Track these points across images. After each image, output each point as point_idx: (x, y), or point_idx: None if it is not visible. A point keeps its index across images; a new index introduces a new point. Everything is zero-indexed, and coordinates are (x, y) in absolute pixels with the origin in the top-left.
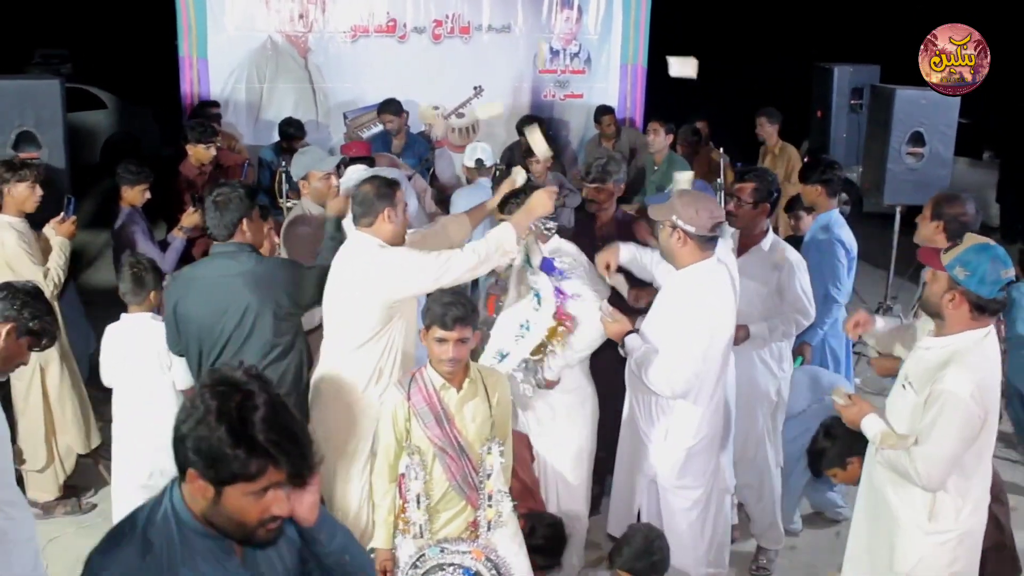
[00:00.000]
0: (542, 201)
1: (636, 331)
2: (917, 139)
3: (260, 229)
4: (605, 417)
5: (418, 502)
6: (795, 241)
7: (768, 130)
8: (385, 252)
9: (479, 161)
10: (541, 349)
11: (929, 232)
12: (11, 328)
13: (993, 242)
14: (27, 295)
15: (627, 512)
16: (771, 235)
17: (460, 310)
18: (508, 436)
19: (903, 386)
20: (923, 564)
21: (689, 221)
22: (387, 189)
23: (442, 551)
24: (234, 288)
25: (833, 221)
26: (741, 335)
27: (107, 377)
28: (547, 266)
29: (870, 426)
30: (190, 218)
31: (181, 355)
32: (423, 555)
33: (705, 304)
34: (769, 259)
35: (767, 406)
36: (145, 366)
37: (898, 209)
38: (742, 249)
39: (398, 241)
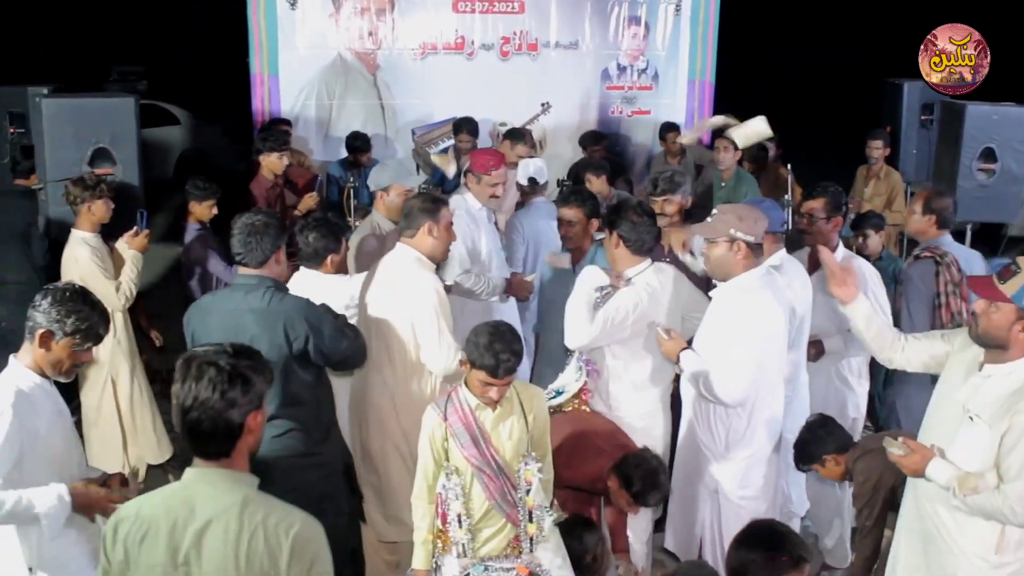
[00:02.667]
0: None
1: (689, 347)
2: (988, 155)
3: (285, 262)
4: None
5: (459, 521)
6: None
7: (878, 153)
8: (419, 276)
9: (532, 180)
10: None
11: (923, 226)
12: (43, 333)
13: None
14: (57, 296)
15: (686, 527)
16: (842, 249)
17: (512, 362)
18: (547, 451)
19: (970, 419)
20: None
21: (749, 232)
22: (432, 205)
23: (486, 569)
24: (244, 324)
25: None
26: (814, 352)
27: None
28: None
29: (939, 473)
30: (307, 202)
31: None
32: (467, 574)
33: (757, 310)
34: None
35: (844, 422)
36: None
37: (969, 227)
38: (815, 266)
39: (438, 256)
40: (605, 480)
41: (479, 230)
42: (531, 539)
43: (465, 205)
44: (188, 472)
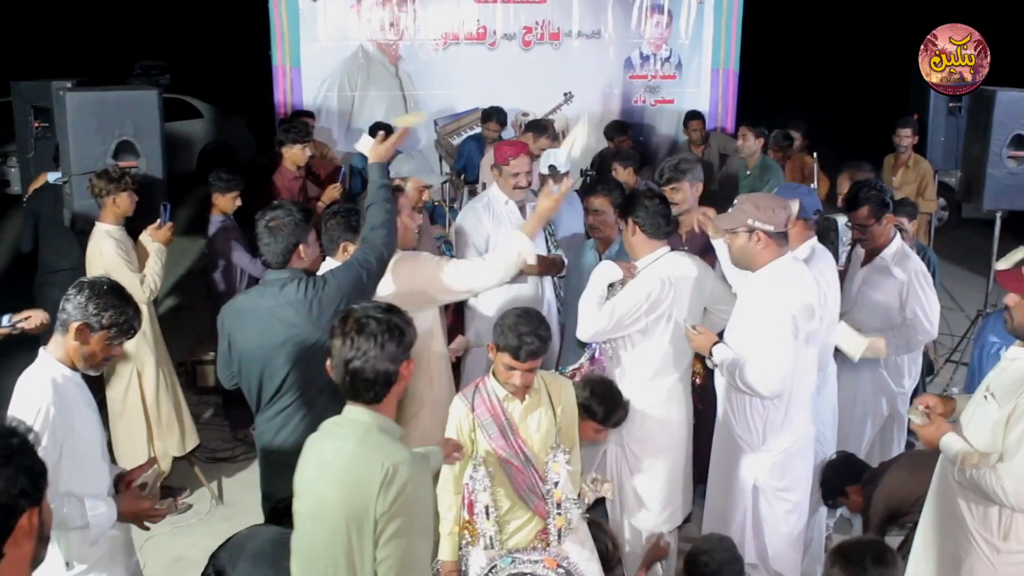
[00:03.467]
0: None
1: (721, 340)
2: (1019, 142)
3: (317, 252)
4: (696, 428)
5: (487, 513)
6: None
7: (907, 142)
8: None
9: (552, 168)
10: None
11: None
12: (80, 326)
13: None
14: (94, 290)
15: (723, 522)
16: (897, 242)
17: (536, 345)
18: (575, 443)
19: (984, 397)
20: None
21: (767, 221)
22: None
23: (513, 561)
24: (289, 319)
25: None
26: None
27: None
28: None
29: (949, 446)
30: (331, 192)
31: (235, 387)
32: (495, 566)
33: (789, 298)
34: (891, 268)
35: (877, 420)
36: None
37: (998, 214)
38: (867, 258)
39: (408, 243)
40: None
41: (498, 226)
42: (559, 531)
43: (487, 200)
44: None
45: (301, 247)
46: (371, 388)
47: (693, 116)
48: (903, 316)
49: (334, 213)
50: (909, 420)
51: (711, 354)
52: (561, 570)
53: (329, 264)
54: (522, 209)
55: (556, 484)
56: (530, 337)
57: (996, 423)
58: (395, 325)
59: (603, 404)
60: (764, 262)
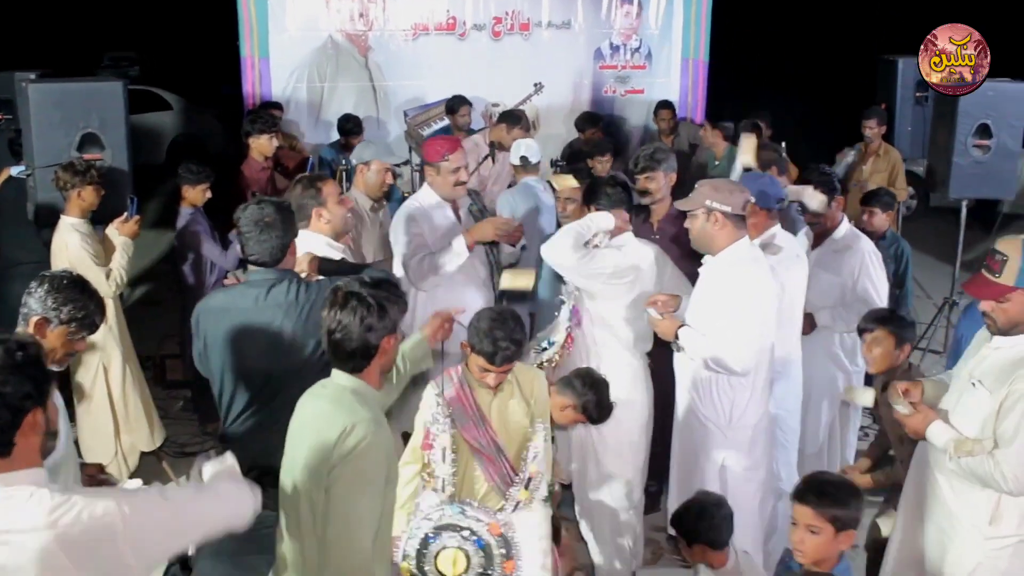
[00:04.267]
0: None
1: (685, 324)
2: (984, 131)
3: (296, 252)
4: (658, 415)
5: (443, 455)
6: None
7: (873, 133)
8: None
9: (524, 159)
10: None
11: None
12: (39, 320)
13: (1022, 236)
14: (54, 284)
15: None
16: (845, 225)
17: (512, 350)
18: (547, 432)
19: (972, 384)
20: (980, 570)
21: (724, 201)
22: (313, 189)
23: (462, 512)
24: (276, 323)
25: None
26: (807, 325)
27: None
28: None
29: (939, 434)
30: None
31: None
32: (441, 511)
33: (752, 277)
34: (841, 249)
35: (835, 400)
36: None
37: (964, 203)
38: (817, 240)
39: (340, 232)
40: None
41: (433, 229)
42: (518, 503)
43: (418, 204)
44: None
45: (294, 244)
46: (351, 359)
47: (663, 106)
48: (853, 294)
49: (298, 181)
50: (896, 410)
51: (677, 337)
52: (501, 539)
53: (305, 237)
54: (456, 212)
55: (534, 457)
56: (505, 342)
57: (987, 408)
58: (379, 301)
59: (599, 408)
60: (722, 244)
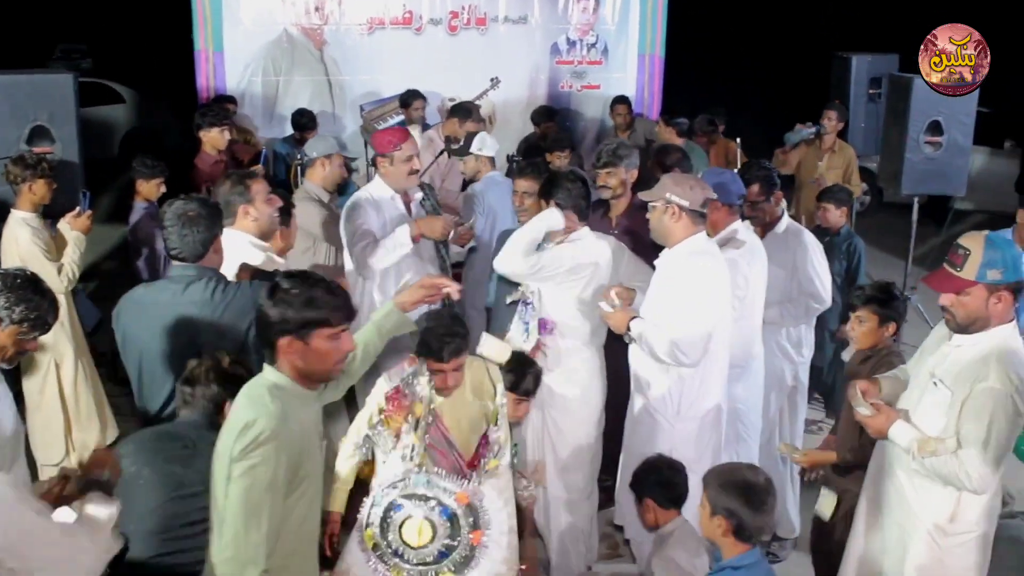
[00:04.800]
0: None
1: (637, 316)
2: (935, 128)
3: (222, 250)
4: (612, 409)
5: (416, 425)
6: (820, 233)
7: (832, 124)
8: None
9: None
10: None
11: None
12: None
13: (984, 231)
14: (6, 283)
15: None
16: (786, 219)
17: (456, 343)
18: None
19: (934, 384)
20: (941, 566)
21: (683, 196)
22: (241, 186)
23: (428, 483)
24: (190, 320)
25: None
26: None
27: None
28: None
29: (902, 434)
30: None
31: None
32: (407, 480)
33: (704, 272)
34: (784, 242)
35: (783, 390)
36: None
37: (916, 199)
38: (761, 234)
39: (266, 232)
40: None
41: (388, 221)
42: (485, 471)
43: (368, 195)
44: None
45: (217, 241)
46: (258, 351)
47: (619, 101)
48: (797, 287)
49: (227, 177)
50: (857, 411)
51: (629, 328)
52: (469, 509)
53: (230, 235)
54: (407, 205)
55: (497, 428)
56: (448, 337)
57: (949, 407)
58: (285, 298)
59: (511, 371)
60: (679, 237)
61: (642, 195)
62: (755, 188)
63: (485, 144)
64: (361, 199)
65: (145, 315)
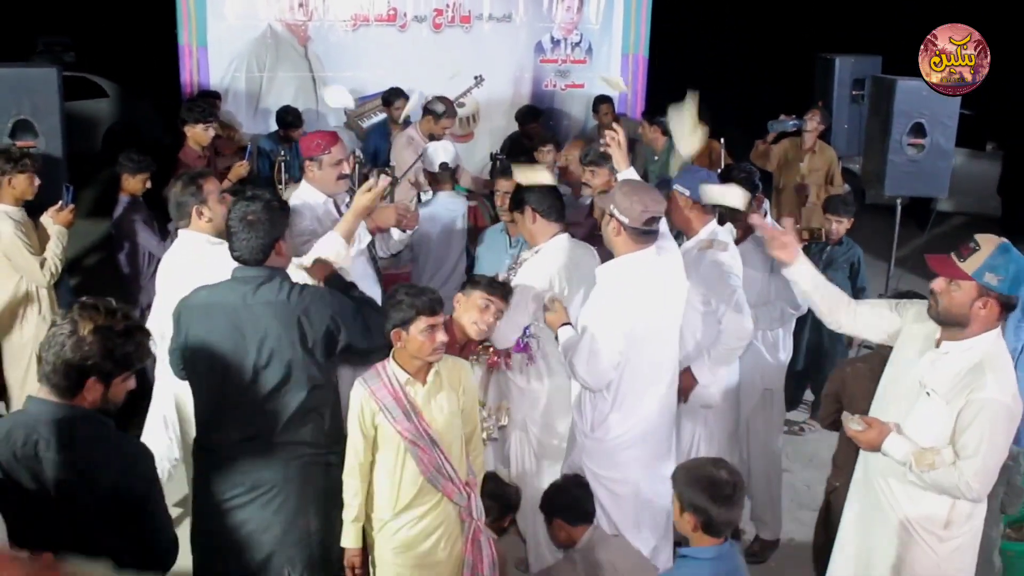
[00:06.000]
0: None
1: (570, 323)
2: (918, 130)
3: (287, 252)
4: None
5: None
6: (816, 246)
7: (815, 126)
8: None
9: (444, 165)
10: None
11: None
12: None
13: (1005, 239)
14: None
15: None
16: (768, 220)
17: (434, 293)
18: (476, 426)
19: (927, 394)
20: (937, 571)
21: (623, 212)
22: (193, 187)
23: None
24: (264, 322)
25: None
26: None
27: None
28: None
29: (896, 448)
30: (237, 171)
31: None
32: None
33: (624, 295)
34: (763, 245)
35: (754, 393)
36: None
37: (899, 200)
38: (740, 239)
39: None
40: None
41: (321, 225)
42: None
43: (302, 202)
44: None
45: (281, 244)
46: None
47: (602, 100)
48: (775, 291)
49: (178, 178)
50: (848, 427)
51: (557, 335)
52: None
53: (186, 237)
54: (338, 208)
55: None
56: (428, 292)
57: (944, 418)
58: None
59: (501, 289)
60: (620, 252)
61: (597, 200)
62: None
63: (439, 155)
64: (298, 207)
65: (214, 318)
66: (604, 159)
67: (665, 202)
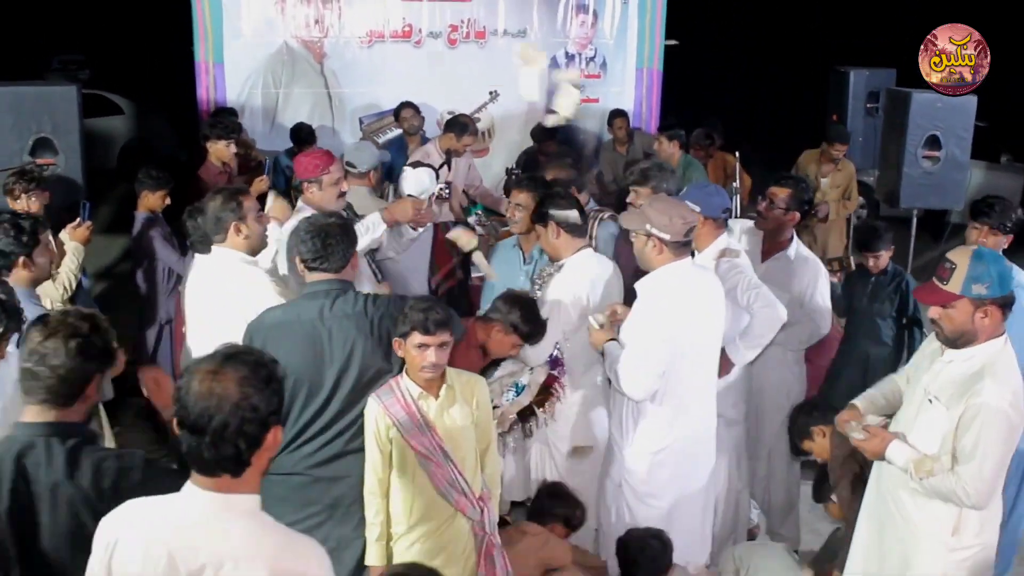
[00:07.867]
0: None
1: (616, 339)
2: (933, 142)
3: (358, 265)
4: None
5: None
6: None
7: (838, 153)
8: (252, 276)
9: (410, 196)
10: (529, 411)
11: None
12: None
13: (972, 246)
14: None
15: (602, 518)
16: (796, 242)
17: (441, 314)
18: (491, 441)
19: (929, 401)
20: None
21: (664, 229)
22: (234, 202)
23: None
24: (345, 333)
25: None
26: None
27: None
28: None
29: (898, 455)
30: (258, 186)
31: None
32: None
33: (670, 304)
34: (792, 267)
35: (779, 411)
36: None
37: (915, 213)
38: (767, 254)
39: (256, 249)
40: None
41: None
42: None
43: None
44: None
45: (355, 256)
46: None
47: (617, 114)
48: (802, 312)
49: (218, 192)
50: (851, 437)
51: (604, 351)
52: None
53: (219, 254)
54: None
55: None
56: (431, 311)
57: (945, 424)
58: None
59: (529, 323)
60: (659, 265)
61: (623, 222)
62: (785, 192)
63: (416, 181)
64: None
65: (292, 337)
66: (644, 179)
67: (696, 209)
